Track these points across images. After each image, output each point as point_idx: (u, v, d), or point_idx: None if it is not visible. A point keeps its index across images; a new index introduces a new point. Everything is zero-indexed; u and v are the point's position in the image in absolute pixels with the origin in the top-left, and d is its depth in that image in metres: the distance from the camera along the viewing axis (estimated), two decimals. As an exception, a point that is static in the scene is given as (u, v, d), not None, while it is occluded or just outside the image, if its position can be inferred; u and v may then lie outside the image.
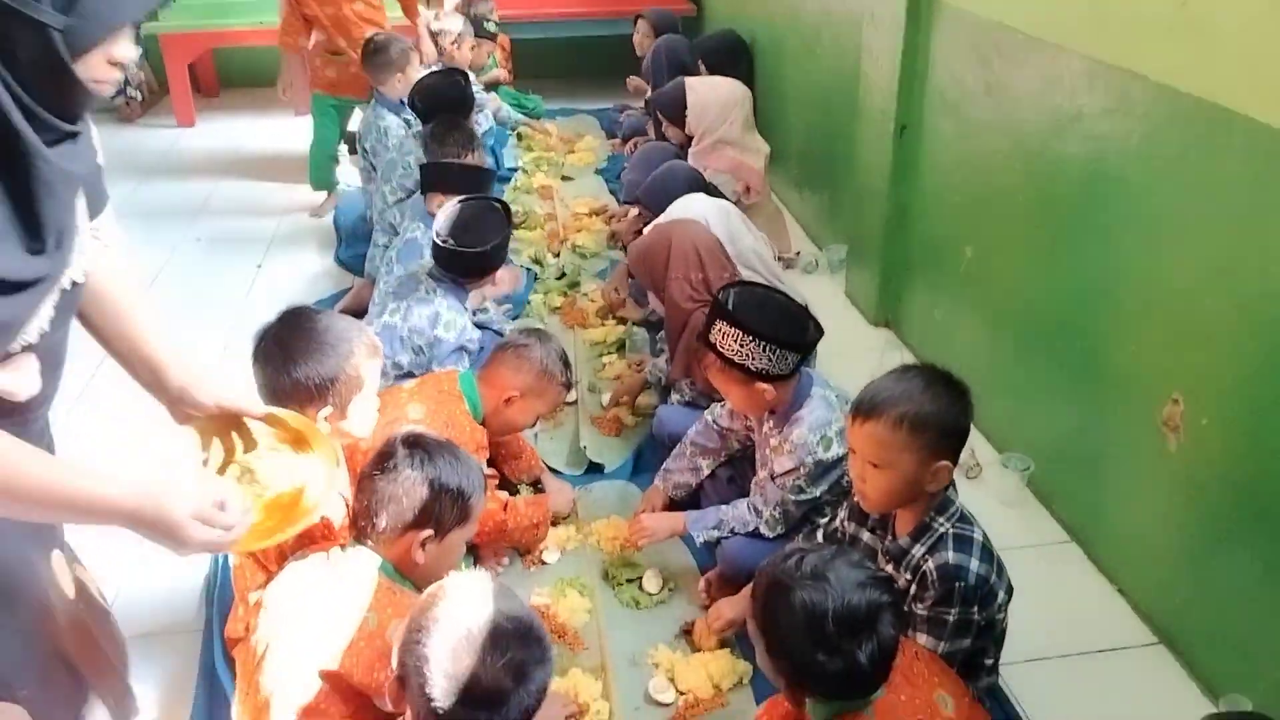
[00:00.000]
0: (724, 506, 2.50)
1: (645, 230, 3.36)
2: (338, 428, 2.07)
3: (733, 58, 5.33)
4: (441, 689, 1.40)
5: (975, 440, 2.93)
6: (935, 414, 1.86)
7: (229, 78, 7.45)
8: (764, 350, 2.31)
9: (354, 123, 5.22)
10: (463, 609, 1.46)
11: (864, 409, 1.91)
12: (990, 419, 3.07)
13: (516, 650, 1.44)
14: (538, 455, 3.00)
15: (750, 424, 2.63)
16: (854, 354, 3.64)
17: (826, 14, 4.43)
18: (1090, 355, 2.65)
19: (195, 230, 5.06)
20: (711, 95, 4.31)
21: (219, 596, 2.53)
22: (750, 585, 1.74)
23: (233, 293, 4.35)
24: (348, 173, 5.55)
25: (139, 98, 6.78)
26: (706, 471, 2.79)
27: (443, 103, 4.17)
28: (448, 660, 1.41)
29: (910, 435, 1.85)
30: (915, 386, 1.89)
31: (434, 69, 4.93)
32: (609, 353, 3.72)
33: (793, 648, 1.57)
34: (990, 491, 2.92)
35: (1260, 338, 2.07)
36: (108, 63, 1.27)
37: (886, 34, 3.57)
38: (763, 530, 2.44)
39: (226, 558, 2.43)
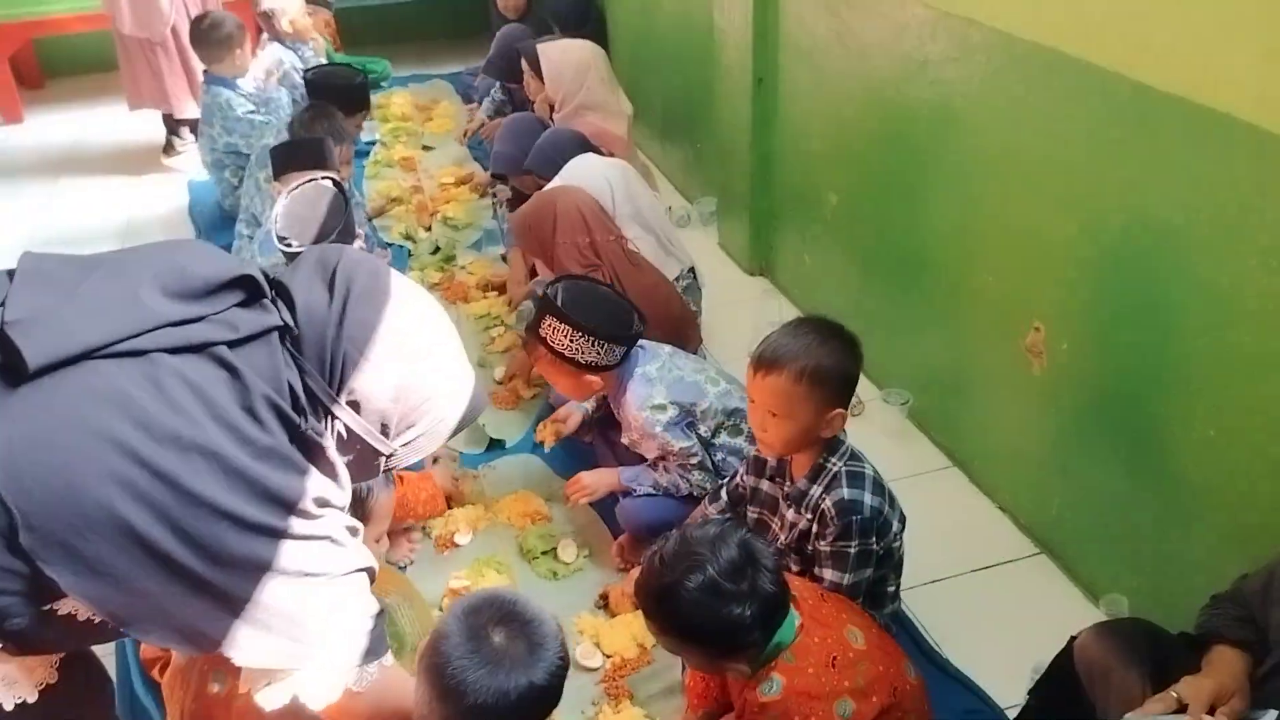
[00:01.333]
0: (657, 472, 2.58)
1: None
2: None
3: (582, 17, 5.32)
4: None
5: (856, 379, 3.08)
6: (833, 367, 1.97)
7: (53, 68, 7.00)
8: (592, 345, 2.44)
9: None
10: None
11: (765, 362, 2.00)
12: (867, 357, 3.08)
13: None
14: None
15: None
16: (733, 304, 3.75)
17: (674, -33, 4.47)
18: (955, 290, 2.81)
19: (40, 235, 4.80)
20: (564, 59, 4.25)
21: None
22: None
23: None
24: (192, 161, 5.35)
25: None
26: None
27: (335, 94, 4.03)
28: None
29: (810, 387, 1.95)
30: (813, 341, 1.99)
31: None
32: (494, 325, 3.72)
33: (709, 625, 1.67)
34: (874, 426, 3.08)
35: (1105, 264, 2.24)
36: None
37: (736, -13, 3.64)
38: (694, 493, 2.53)
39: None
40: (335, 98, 3.97)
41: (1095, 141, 2.20)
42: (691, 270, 3.34)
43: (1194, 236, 2.00)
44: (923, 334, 3.01)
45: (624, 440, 2.66)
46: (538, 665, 1.46)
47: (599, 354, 2.46)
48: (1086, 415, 2.39)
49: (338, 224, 2.63)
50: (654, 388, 2.49)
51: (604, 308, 2.52)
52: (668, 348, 2.64)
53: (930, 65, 2.72)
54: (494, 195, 4.53)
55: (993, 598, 2.51)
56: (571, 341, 2.44)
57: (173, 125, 5.44)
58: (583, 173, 3.23)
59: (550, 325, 2.46)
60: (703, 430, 2.53)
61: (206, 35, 4.40)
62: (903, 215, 2.99)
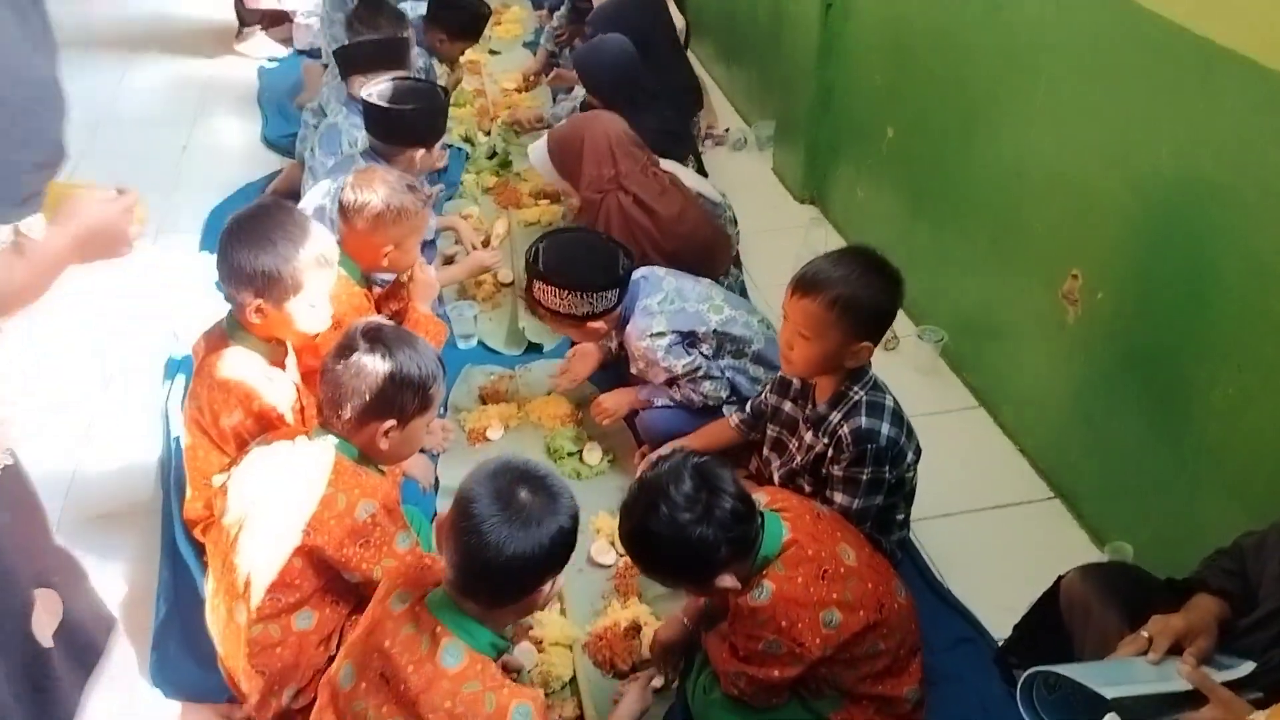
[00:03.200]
0: (673, 390, 2.65)
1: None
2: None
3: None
4: None
5: (894, 314, 3.12)
6: (867, 299, 2.01)
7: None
8: (583, 298, 2.52)
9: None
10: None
11: (803, 285, 2.05)
12: (908, 293, 3.20)
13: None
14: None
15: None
16: (780, 230, 3.78)
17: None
18: (1000, 233, 2.82)
19: (115, 109, 4.92)
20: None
21: (174, 478, 2.63)
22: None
23: (159, 176, 4.28)
24: (262, 47, 5.42)
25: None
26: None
27: (455, 14, 4.10)
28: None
29: (840, 316, 2.01)
30: (853, 271, 2.03)
31: None
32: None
33: (681, 555, 1.76)
34: (907, 361, 3.12)
35: (1150, 219, 2.24)
36: None
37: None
38: (709, 403, 2.61)
39: (179, 439, 2.52)
40: (454, 18, 4.01)
41: (1154, 95, 2.18)
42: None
43: (1241, 200, 1.99)
44: (964, 275, 3.02)
45: (633, 370, 2.73)
46: (561, 511, 1.60)
47: (592, 304, 2.53)
48: (1114, 366, 2.42)
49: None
50: (653, 319, 2.55)
51: (588, 259, 2.58)
52: (671, 278, 2.66)
53: (1000, 8, 2.68)
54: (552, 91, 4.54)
55: (1002, 536, 2.58)
56: (562, 299, 2.52)
57: (243, 13, 5.49)
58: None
59: (540, 289, 2.55)
60: (704, 350, 2.59)
61: None
62: (957, 155, 2.98)
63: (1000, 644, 2.11)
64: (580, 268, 2.55)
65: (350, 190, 2.54)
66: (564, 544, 1.62)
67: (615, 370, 3.00)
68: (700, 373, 2.57)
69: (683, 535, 1.72)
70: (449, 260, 3.51)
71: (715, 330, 2.57)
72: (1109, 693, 1.44)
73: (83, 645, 1.75)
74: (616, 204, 3.03)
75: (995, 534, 2.59)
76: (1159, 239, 2.23)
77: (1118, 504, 2.47)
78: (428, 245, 3.41)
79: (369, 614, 1.69)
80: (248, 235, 2.09)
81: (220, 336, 2.22)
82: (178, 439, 2.59)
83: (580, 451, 2.80)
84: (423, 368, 1.91)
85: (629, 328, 2.58)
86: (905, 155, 3.32)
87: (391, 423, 1.90)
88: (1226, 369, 2.07)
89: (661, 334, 2.53)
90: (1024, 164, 2.67)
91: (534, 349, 3.24)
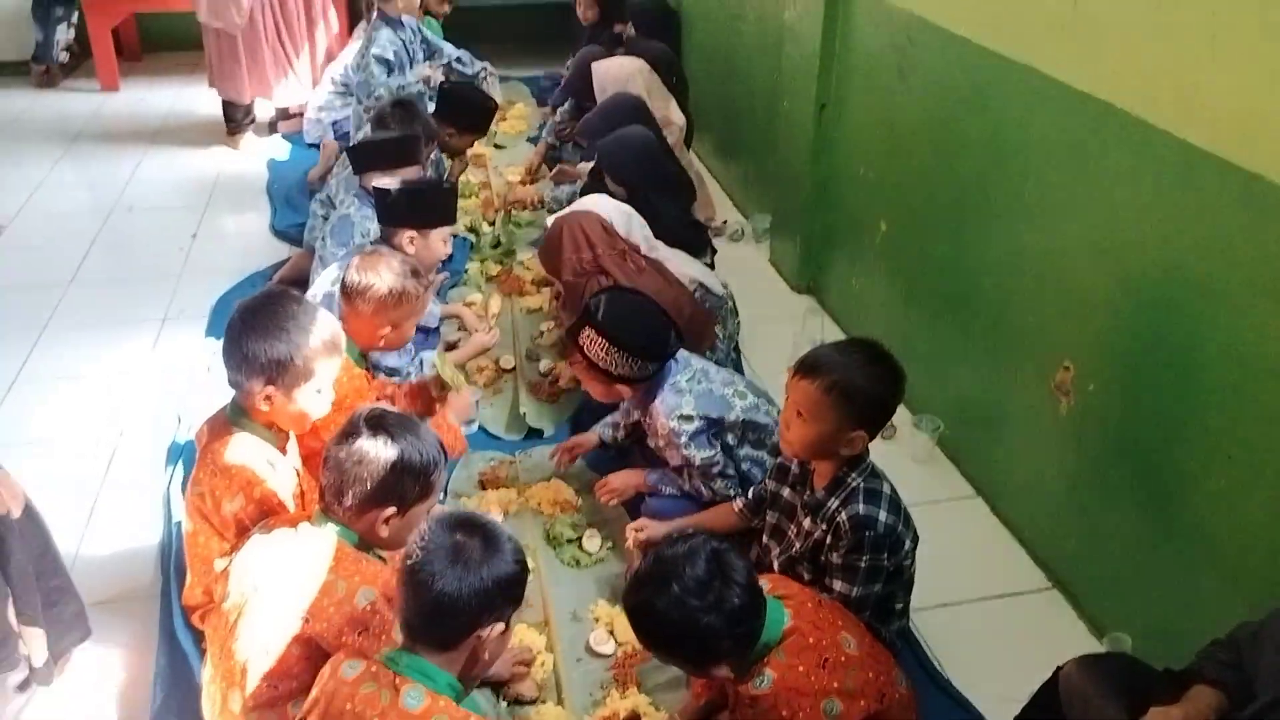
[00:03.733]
0: (681, 477, 2.67)
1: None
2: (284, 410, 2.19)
3: (661, 23, 5.45)
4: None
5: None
6: (865, 390, 2.05)
7: (151, 42, 7.32)
8: (626, 359, 2.54)
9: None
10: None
11: (804, 367, 2.11)
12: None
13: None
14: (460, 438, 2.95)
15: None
16: (777, 319, 3.84)
17: (751, -11, 4.57)
18: (993, 324, 2.88)
19: (127, 197, 5.04)
20: (608, 73, 4.28)
21: (174, 564, 2.63)
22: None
23: (169, 262, 4.37)
24: (278, 145, 5.58)
25: (64, 60, 6.67)
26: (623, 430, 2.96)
27: (466, 110, 4.27)
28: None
29: (837, 401, 2.04)
30: (857, 360, 2.09)
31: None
32: (545, 319, 3.85)
33: (682, 638, 1.78)
34: (904, 450, 3.15)
35: (1137, 312, 2.30)
36: None
37: (807, 15, 3.73)
38: (715, 499, 2.63)
39: (179, 524, 2.54)
40: (462, 114, 4.16)
41: (1138, 194, 2.26)
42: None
43: (1224, 292, 2.05)
44: (959, 365, 3.07)
45: (650, 443, 2.76)
46: (504, 556, 1.67)
47: (631, 368, 2.55)
48: (1107, 457, 2.45)
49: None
50: (683, 398, 2.57)
51: (643, 323, 2.61)
52: (697, 360, 2.72)
53: (987, 108, 2.79)
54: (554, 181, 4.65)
55: (1000, 626, 2.57)
56: (606, 354, 2.53)
57: (230, 111, 5.60)
58: (600, 200, 3.35)
59: (588, 336, 2.56)
60: (729, 439, 2.61)
61: None
62: (949, 248, 3.06)
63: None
64: (635, 330, 2.56)
65: (355, 272, 2.60)
66: (504, 585, 1.67)
67: (619, 453, 3.03)
68: (715, 469, 2.58)
69: (689, 620, 1.73)
70: (451, 347, 3.56)
71: (741, 420, 2.59)
72: None
73: None
74: (596, 286, 3.10)
75: (994, 624, 2.58)
76: (1146, 331, 2.28)
77: (1114, 594, 2.48)
78: (432, 333, 3.47)
79: (321, 691, 1.69)
80: (260, 323, 2.13)
81: (224, 423, 2.25)
82: (179, 524, 2.60)
83: (580, 538, 2.80)
84: (424, 454, 1.93)
85: (657, 403, 2.59)
86: (898, 247, 3.40)
87: (392, 510, 1.92)
88: (1217, 459, 2.11)
89: (690, 418, 2.54)
90: (1014, 257, 2.74)
91: (534, 434, 3.27)
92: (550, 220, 3.37)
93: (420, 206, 3.06)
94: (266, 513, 2.17)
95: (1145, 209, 2.24)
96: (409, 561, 1.64)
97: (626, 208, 3.33)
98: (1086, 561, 2.57)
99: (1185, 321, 2.16)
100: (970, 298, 2.98)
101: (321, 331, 2.18)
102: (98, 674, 2.43)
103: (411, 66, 5.00)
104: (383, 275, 2.58)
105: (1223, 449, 2.09)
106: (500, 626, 1.70)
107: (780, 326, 3.76)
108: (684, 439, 2.55)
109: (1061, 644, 2.47)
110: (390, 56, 4.85)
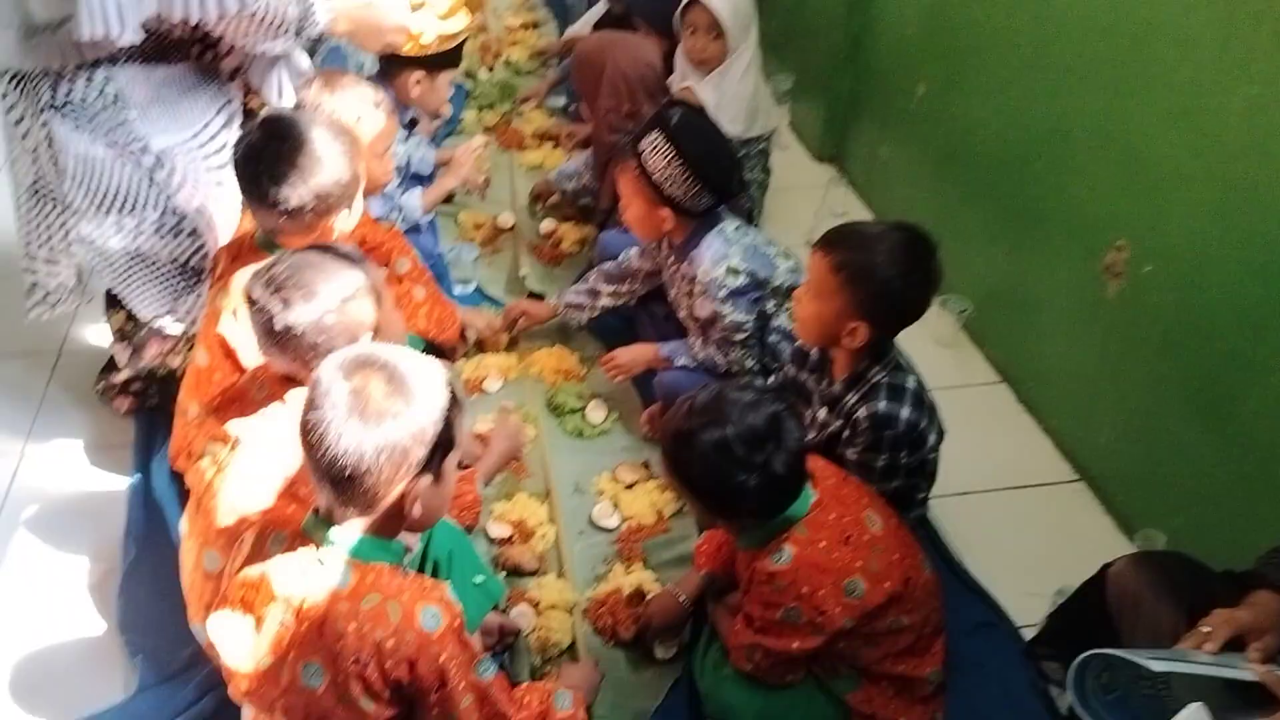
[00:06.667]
0: (695, 344, 2.48)
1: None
2: None
3: None
4: None
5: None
6: (880, 278, 1.84)
7: None
8: (686, 179, 2.29)
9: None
10: None
11: (823, 240, 1.93)
12: None
13: None
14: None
15: (659, 261, 2.62)
16: (796, 189, 3.60)
17: None
18: (1037, 199, 2.66)
19: None
20: None
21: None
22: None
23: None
24: None
25: None
26: (605, 300, 2.75)
27: None
28: None
29: (843, 284, 1.85)
30: (884, 244, 1.87)
31: None
32: (549, 173, 3.57)
33: (712, 482, 1.63)
34: (927, 332, 2.95)
35: (1213, 186, 2.08)
36: None
37: None
38: (731, 370, 2.44)
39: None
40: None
41: (1223, 49, 2.02)
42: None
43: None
44: (993, 243, 2.87)
45: (670, 294, 2.56)
46: (415, 409, 1.35)
47: (686, 193, 2.30)
48: (1158, 347, 2.27)
49: None
50: (731, 248, 2.35)
51: (715, 149, 2.36)
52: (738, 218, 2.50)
53: (1049, -48, 2.51)
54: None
55: (1022, 518, 2.45)
56: (668, 167, 2.28)
57: None
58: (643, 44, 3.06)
59: (654, 143, 2.29)
60: (769, 306, 2.42)
61: None
62: (995, 114, 2.81)
63: (1032, 634, 1.98)
64: (706, 152, 2.31)
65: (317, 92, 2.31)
66: (421, 435, 1.35)
67: (624, 320, 2.86)
68: (739, 337, 2.38)
69: (727, 469, 1.59)
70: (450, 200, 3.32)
71: (785, 284, 2.38)
72: (1156, 666, 1.32)
73: None
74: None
75: (1015, 515, 2.46)
76: (1220, 209, 2.07)
77: (1150, 491, 2.34)
78: (425, 180, 3.22)
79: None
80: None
81: (252, 249, 2.02)
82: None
83: (583, 409, 2.64)
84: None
85: (702, 248, 2.37)
86: (936, 113, 3.14)
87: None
88: (1283, 357, 1.94)
89: (736, 272, 2.32)
90: (1069, 123, 2.50)
91: (535, 299, 3.05)
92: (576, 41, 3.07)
93: None
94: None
95: (1233, 71, 2.00)
96: (303, 416, 1.36)
97: None
98: (1120, 456, 2.43)
99: (1267, 200, 1.95)
100: (1014, 168, 2.75)
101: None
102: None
103: None
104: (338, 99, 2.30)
105: (1292, 345, 1.92)
106: (426, 480, 1.39)
107: (799, 196, 3.53)
108: (724, 294, 2.33)
109: (1087, 539, 2.37)
110: None
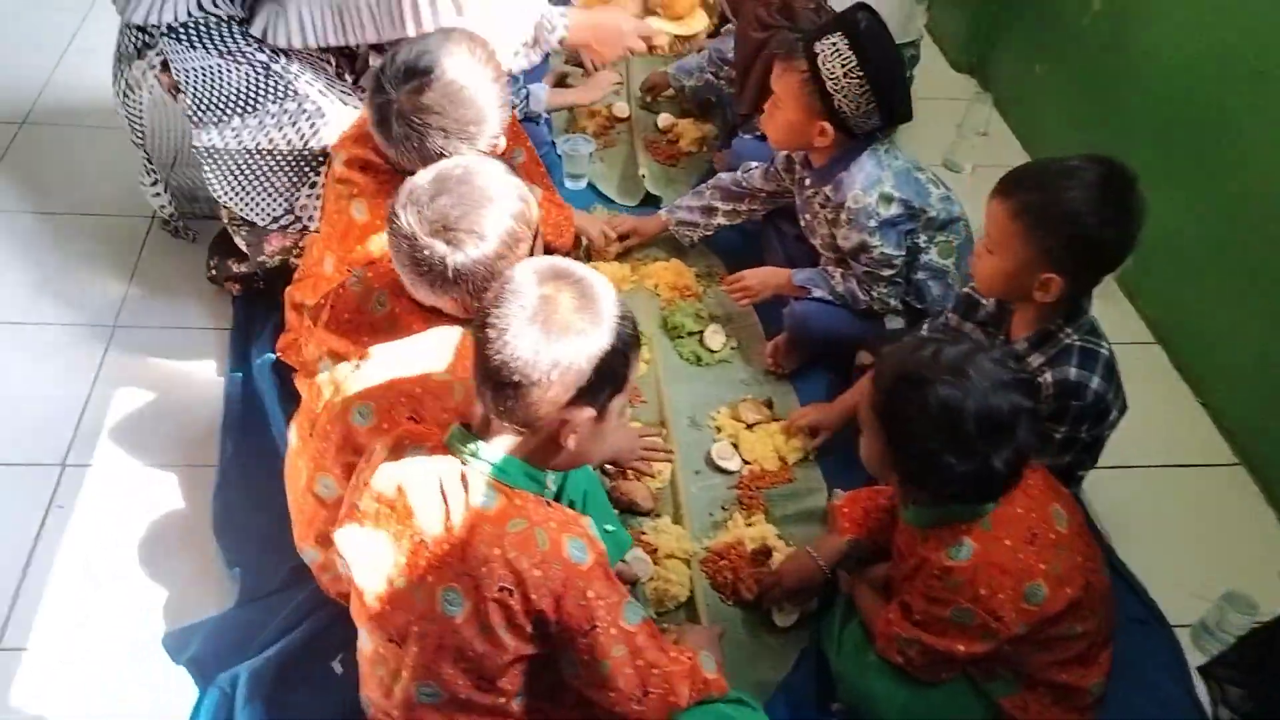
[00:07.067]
0: (835, 275, 2.28)
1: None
2: None
3: None
4: None
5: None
6: (1070, 220, 1.63)
7: None
8: (862, 93, 2.07)
9: None
10: None
11: (1002, 183, 1.73)
12: None
13: None
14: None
15: (788, 183, 2.40)
16: (932, 102, 3.27)
17: None
18: (1217, 137, 2.39)
19: None
20: None
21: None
22: (869, 376, 1.60)
23: None
24: None
25: None
26: (720, 218, 2.56)
27: None
28: None
29: (1028, 232, 1.65)
30: (1074, 182, 1.65)
31: None
32: (665, 65, 3.31)
33: (922, 445, 1.45)
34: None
35: None
36: None
37: None
38: (874, 308, 2.26)
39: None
40: None
41: None
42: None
43: None
44: (1157, 184, 2.57)
45: (802, 220, 2.36)
46: (601, 330, 1.27)
47: (856, 108, 2.08)
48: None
49: None
50: (884, 173, 2.16)
51: (896, 67, 2.15)
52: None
53: None
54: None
55: (1175, 501, 2.25)
56: (846, 75, 2.05)
57: None
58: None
59: (835, 46, 2.06)
60: (921, 240, 2.21)
61: None
62: (1180, 42, 2.51)
63: (1206, 664, 1.81)
64: (890, 66, 2.11)
65: None
66: (596, 360, 1.26)
67: (746, 235, 2.64)
68: (888, 272, 2.19)
69: (939, 437, 1.41)
70: (561, 81, 3.07)
71: (938, 216, 2.19)
72: None
73: None
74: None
75: (1168, 497, 2.25)
76: None
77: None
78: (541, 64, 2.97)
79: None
80: None
81: (366, 138, 1.91)
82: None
83: (701, 333, 2.45)
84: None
85: (852, 172, 2.17)
86: (1114, 33, 2.80)
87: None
88: None
89: (890, 199, 2.14)
90: (1273, 51, 2.20)
91: (651, 201, 2.83)
92: None
93: None
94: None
95: None
96: (482, 311, 1.29)
97: None
98: (1287, 441, 2.22)
99: None
100: (1199, 102, 2.45)
101: None
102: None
103: None
104: None
105: None
106: (589, 412, 1.30)
107: (935, 111, 3.21)
108: (874, 223, 2.14)
109: (1247, 533, 2.18)
110: None
